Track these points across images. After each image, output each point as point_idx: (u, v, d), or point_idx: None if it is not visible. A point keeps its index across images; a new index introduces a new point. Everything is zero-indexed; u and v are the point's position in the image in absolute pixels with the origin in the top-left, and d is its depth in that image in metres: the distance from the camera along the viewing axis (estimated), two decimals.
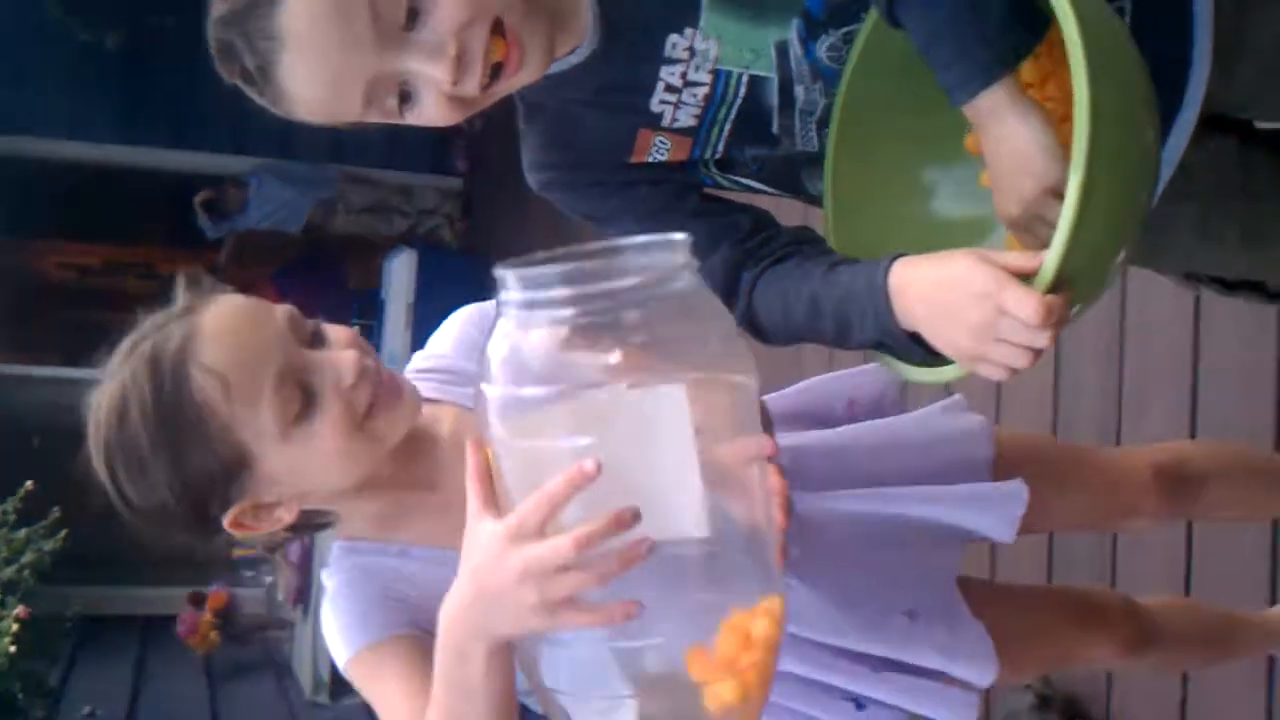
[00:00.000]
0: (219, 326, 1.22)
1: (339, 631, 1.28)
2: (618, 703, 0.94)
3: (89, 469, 1.25)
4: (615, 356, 0.88)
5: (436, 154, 7.42)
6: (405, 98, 1.15)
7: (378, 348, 7.27)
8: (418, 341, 6.35)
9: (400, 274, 7.12)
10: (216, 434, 1.19)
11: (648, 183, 1.30)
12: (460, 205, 7.61)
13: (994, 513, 1.44)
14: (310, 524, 1.34)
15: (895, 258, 1.12)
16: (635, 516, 0.87)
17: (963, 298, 1.04)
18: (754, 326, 1.27)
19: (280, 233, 7.29)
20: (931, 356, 1.13)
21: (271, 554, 1.17)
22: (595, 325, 0.89)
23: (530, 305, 0.91)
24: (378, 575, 1.29)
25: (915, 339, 1.12)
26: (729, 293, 1.27)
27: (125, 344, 1.27)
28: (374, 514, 1.32)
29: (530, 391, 0.91)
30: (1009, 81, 1.05)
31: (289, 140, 7.29)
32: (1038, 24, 1.06)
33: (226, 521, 1.25)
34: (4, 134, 7.07)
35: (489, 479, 0.96)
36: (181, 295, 1.29)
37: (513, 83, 1.17)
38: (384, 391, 1.24)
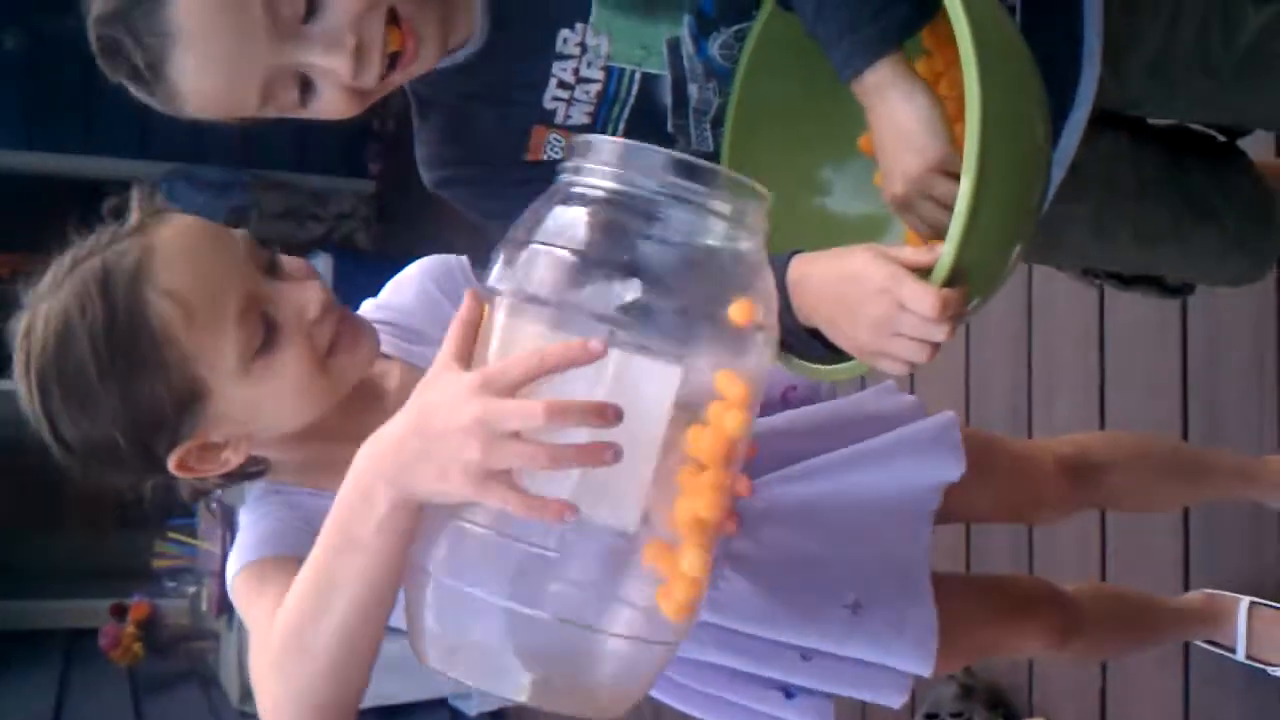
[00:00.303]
0: (178, 248, 1.14)
1: (236, 550, 1.19)
2: (491, 609, 0.85)
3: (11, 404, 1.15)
4: (634, 291, 0.83)
5: (348, 156, 7.35)
6: (305, 87, 1.15)
7: None
8: None
9: None
10: (174, 364, 1.11)
11: (545, 181, 1.25)
12: (375, 208, 7.56)
13: (935, 449, 1.43)
14: (245, 472, 1.25)
15: (793, 254, 1.13)
16: (618, 416, 0.80)
17: (860, 293, 1.05)
18: None
19: None
20: (830, 353, 1.14)
21: (196, 502, 1.10)
22: (627, 227, 0.85)
23: (579, 171, 0.88)
24: (301, 509, 1.21)
25: (814, 335, 1.13)
26: None
27: (65, 260, 1.17)
28: (306, 463, 1.25)
29: (558, 252, 0.85)
30: (895, 58, 1.07)
31: (197, 143, 7.19)
32: (926, 4, 1.08)
33: (172, 463, 1.16)
34: None
35: (473, 332, 0.90)
36: (134, 210, 1.20)
37: (409, 72, 1.18)
38: (346, 329, 1.19)
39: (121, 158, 7.20)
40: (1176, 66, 1.31)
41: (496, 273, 0.89)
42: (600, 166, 0.87)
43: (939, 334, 1.04)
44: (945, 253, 1.01)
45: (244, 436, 1.19)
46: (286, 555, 1.13)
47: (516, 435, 0.81)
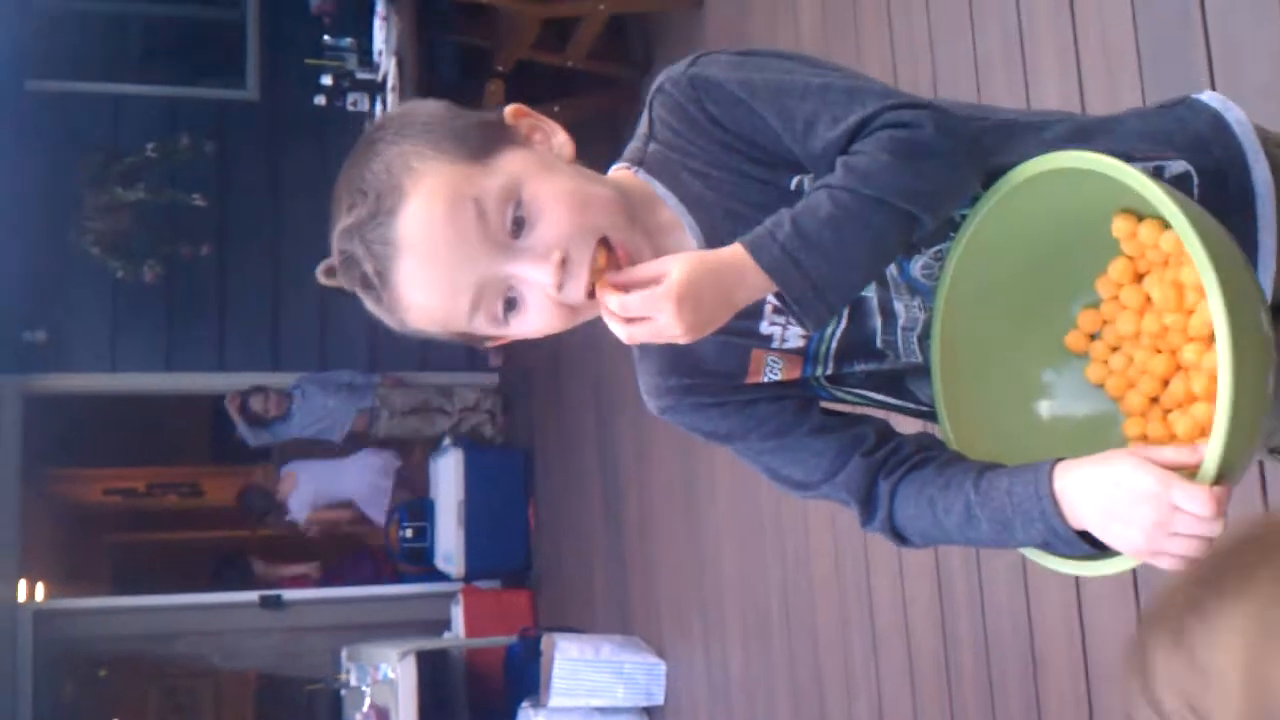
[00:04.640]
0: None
1: None
2: None
3: None
4: None
5: (470, 352, 7.56)
6: (510, 304, 1.22)
7: (431, 550, 7.39)
8: (471, 539, 6.40)
9: (448, 473, 7.21)
10: None
11: (768, 400, 1.34)
12: (500, 400, 7.75)
13: None
14: None
15: (1055, 463, 1.17)
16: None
17: (1131, 498, 1.10)
18: (895, 532, 1.32)
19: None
20: (1097, 549, 1.18)
21: None
22: None
23: None
24: None
25: (1082, 536, 1.17)
26: (866, 503, 1.31)
27: None
28: None
29: None
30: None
31: (325, 357, 7.48)
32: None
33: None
34: (49, 372, 7.26)
35: None
36: None
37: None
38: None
39: (253, 371, 7.47)
40: None
41: None
42: None
43: (1215, 529, 1.08)
44: (1211, 455, 1.06)
45: None
46: None
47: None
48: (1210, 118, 1.34)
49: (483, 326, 1.25)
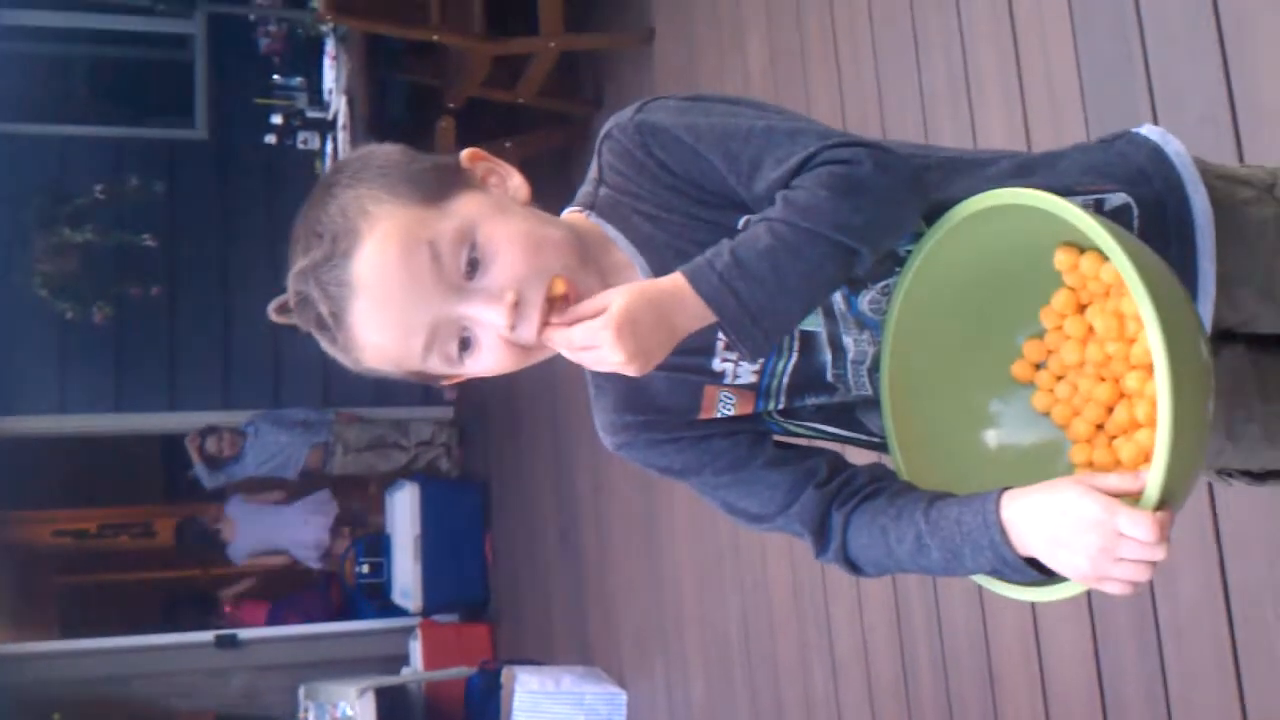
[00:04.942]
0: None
1: None
2: None
3: None
4: None
5: (425, 387, 7.52)
6: (465, 345, 1.24)
7: (388, 585, 7.35)
8: (428, 573, 6.37)
9: (403, 507, 7.18)
10: None
11: (721, 435, 1.37)
12: (456, 433, 7.73)
13: None
14: None
15: (1002, 492, 1.20)
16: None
17: (1077, 525, 1.12)
18: (849, 562, 1.34)
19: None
20: (1046, 576, 1.20)
21: None
22: None
23: None
24: None
25: (1031, 562, 1.19)
26: (820, 534, 1.34)
27: None
28: None
29: None
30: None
31: (278, 394, 7.44)
32: None
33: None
34: None
35: None
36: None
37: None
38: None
39: (204, 411, 7.42)
40: None
41: None
42: None
43: (1160, 554, 1.11)
44: (1153, 481, 1.09)
45: None
46: None
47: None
48: (1150, 151, 1.38)
49: (437, 366, 1.26)
